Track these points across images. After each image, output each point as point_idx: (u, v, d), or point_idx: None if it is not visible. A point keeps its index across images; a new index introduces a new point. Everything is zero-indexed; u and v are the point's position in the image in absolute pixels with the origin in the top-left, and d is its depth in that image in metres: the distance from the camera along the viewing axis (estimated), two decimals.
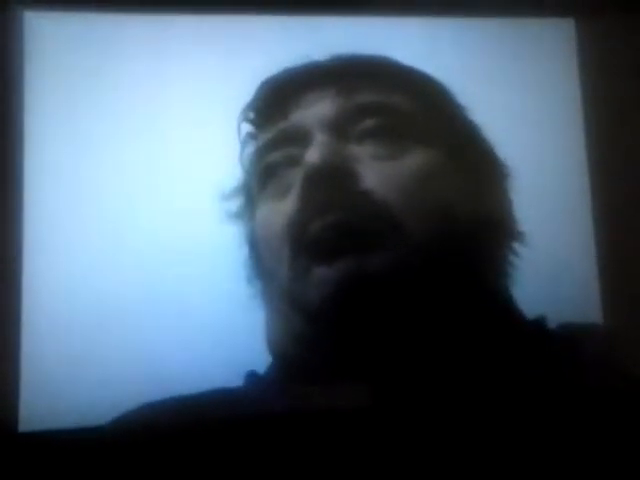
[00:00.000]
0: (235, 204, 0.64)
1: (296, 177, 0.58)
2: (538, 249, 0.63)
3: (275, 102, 0.62)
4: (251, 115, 0.64)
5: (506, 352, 0.57)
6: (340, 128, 0.59)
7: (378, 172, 0.58)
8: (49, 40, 0.65)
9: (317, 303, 0.56)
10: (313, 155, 0.57)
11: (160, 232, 0.64)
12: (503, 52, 0.68)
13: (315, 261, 0.56)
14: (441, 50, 0.67)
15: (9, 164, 0.64)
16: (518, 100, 0.68)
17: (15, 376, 0.60)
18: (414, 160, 0.59)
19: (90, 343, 0.61)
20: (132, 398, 0.58)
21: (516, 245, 0.62)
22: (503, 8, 0.70)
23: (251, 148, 0.63)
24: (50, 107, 0.65)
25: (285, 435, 0.55)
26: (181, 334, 0.62)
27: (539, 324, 0.61)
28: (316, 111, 0.60)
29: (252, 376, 0.60)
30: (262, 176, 0.61)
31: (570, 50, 0.71)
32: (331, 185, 0.56)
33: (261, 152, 0.62)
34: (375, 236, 0.56)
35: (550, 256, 0.64)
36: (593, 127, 0.69)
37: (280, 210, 0.59)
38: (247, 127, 0.64)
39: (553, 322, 0.61)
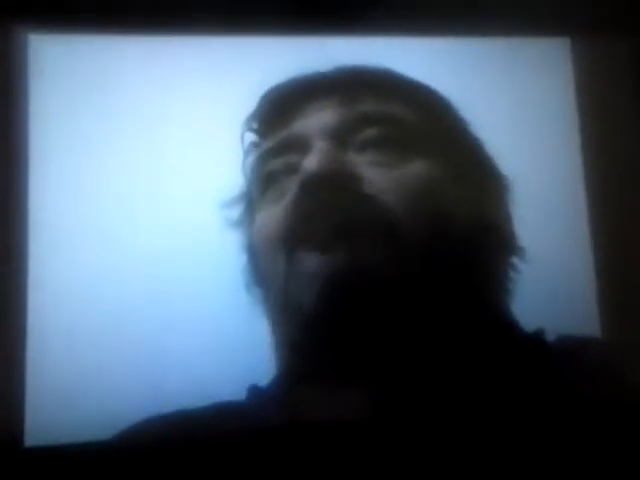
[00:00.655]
0: (236, 212, 0.64)
1: (293, 184, 0.59)
2: (536, 262, 0.64)
3: (278, 111, 0.62)
4: (254, 125, 0.64)
5: (504, 363, 0.57)
6: (341, 137, 0.60)
7: (377, 178, 0.58)
8: (53, 62, 0.66)
9: (312, 302, 0.56)
10: (311, 162, 0.58)
11: (163, 242, 0.64)
12: (500, 70, 0.69)
13: (309, 252, 0.56)
14: (440, 69, 0.68)
15: (14, 181, 0.64)
16: (515, 117, 0.69)
17: (21, 390, 0.60)
18: (414, 169, 0.59)
19: (96, 356, 0.61)
20: (138, 412, 0.58)
21: (515, 260, 0.63)
22: (500, 28, 0.70)
23: (253, 157, 0.64)
24: (54, 126, 0.65)
25: (286, 448, 0.56)
26: (187, 345, 0.62)
27: (538, 337, 0.61)
28: (318, 120, 0.60)
29: (254, 389, 0.60)
30: (262, 183, 0.62)
31: (566, 69, 0.71)
32: (329, 189, 0.57)
33: (262, 160, 0.62)
34: (371, 241, 0.56)
35: (548, 269, 0.64)
36: (590, 143, 0.70)
37: (275, 215, 0.59)
38: (250, 136, 0.65)
39: (551, 335, 0.62)
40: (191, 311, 0.63)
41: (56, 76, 0.66)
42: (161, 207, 0.65)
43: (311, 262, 0.56)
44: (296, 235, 0.57)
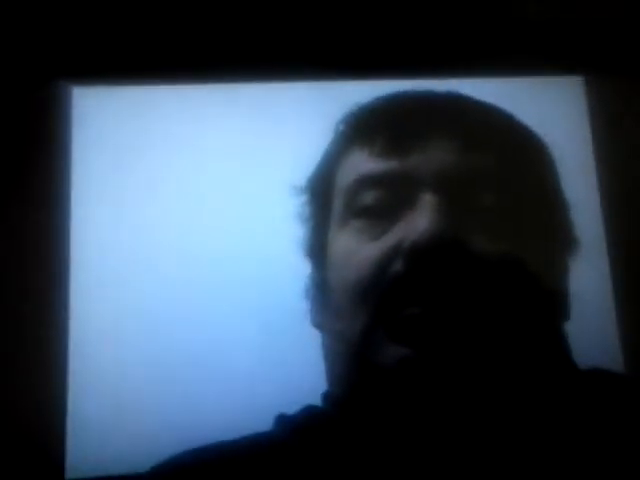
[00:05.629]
0: (302, 228, 0.62)
1: (396, 230, 0.55)
2: None
3: (397, 131, 0.57)
4: (365, 135, 0.58)
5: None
6: (456, 193, 0.55)
7: (487, 256, 0.54)
8: (95, 112, 0.69)
9: (390, 372, 0.53)
10: (424, 221, 0.53)
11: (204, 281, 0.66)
12: (513, 110, 0.71)
13: (398, 339, 0.52)
14: None
15: (58, 233, 0.67)
16: None
17: (61, 424, 0.62)
18: (522, 250, 0.56)
19: (136, 390, 0.63)
20: (176, 444, 0.59)
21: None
22: (512, 67, 0.72)
23: (348, 167, 0.59)
24: (97, 177, 0.69)
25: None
26: (222, 383, 0.64)
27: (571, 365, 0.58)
28: (435, 163, 0.56)
29: (283, 419, 0.59)
30: (351, 206, 0.58)
31: (580, 108, 0.73)
32: (440, 261, 0.52)
33: (363, 182, 0.57)
34: (470, 328, 0.52)
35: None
36: (606, 179, 0.71)
37: (370, 253, 0.55)
38: (345, 137, 0.60)
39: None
40: (224, 345, 0.65)
41: (98, 126, 0.69)
42: (201, 245, 0.67)
43: (400, 341, 0.52)
44: (393, 302, 0.53)
